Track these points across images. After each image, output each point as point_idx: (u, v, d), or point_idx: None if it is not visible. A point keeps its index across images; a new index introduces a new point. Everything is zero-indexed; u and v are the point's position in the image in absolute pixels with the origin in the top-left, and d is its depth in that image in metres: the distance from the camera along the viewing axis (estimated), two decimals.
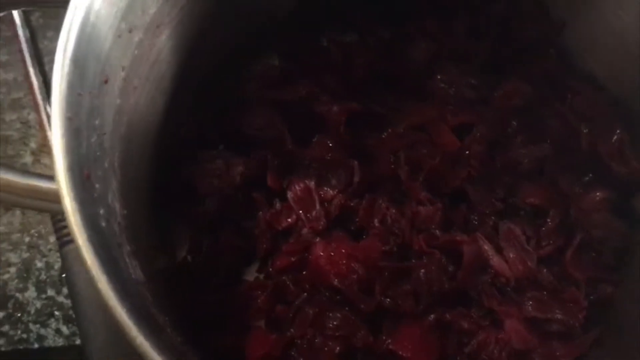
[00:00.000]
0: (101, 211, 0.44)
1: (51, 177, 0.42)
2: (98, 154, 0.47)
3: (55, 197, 0.41)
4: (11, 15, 0.82)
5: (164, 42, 0.58)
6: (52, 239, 0.75)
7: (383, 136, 0.67)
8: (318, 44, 0.74)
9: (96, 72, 0.46)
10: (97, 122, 0.47)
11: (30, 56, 0.80)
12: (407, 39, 0.71)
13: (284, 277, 0.63)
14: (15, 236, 0.76)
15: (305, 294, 0.61)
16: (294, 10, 0.73)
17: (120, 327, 0.37)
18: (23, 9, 0.73)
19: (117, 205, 0.50)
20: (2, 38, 0.83)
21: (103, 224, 0.44)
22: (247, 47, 0.71)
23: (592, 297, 0.61)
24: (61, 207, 0.41)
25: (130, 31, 0.51)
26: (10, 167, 0.43)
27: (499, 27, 0.70)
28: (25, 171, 0.43)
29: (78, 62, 0.43)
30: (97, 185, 0.45)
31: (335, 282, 0.59)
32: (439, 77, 0.66)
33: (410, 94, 0.68)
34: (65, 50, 0.41)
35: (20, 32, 0.81)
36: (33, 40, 0.81)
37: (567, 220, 0.62)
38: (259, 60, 0.72)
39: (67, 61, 0.42)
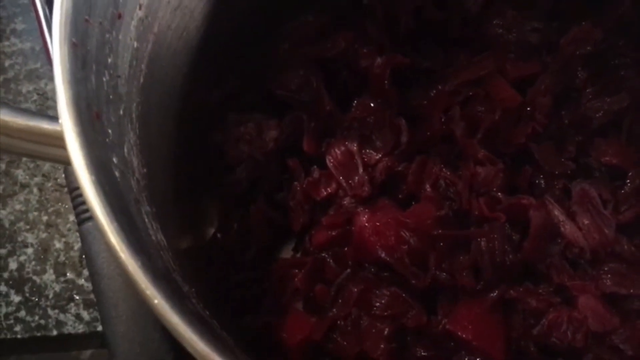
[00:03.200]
0: (114, 159, 0.38)
1: (57, 119, 0.36)
2: (111, 97, 0.41)
3: (61, 141, 0.35)
4: None
5: None
6: (72, 217, 0.71)
7: (432, 94, 0.60)
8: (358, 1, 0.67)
9: (108, 0, 0.40)
10: (109, 60, 0.41)
11: (48, 24, 0.75)
12: None
13: (323, 254, 0.58)
14: (32, 215, 0.71)
15: (349, 270, 0.56)
16: None
17: (136, 285, 0.31)
18: None
19: (135, 161, 0.44)
20: (19, 5, 0.79)
21: (116, 173, 0.37)
22: (282, 4, 0.65)
23: None
24: (66, 154, 0.34)
25: None
26: (12, 107, 0.37)
27: None
28: (28, 111, 0.37)
29: None
30: (109, 131, 0.39)
31: (383, 255, 0.54)
32: (495, 22, 0.59)
33: (464, 46, 0.62)
34: None
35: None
36: (50, 6, 0.76)
37: None
38: (295, 19, 0.66)
39: None
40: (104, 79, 0.40)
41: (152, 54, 0.50)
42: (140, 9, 0.46)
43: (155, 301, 0.30)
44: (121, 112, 0.43)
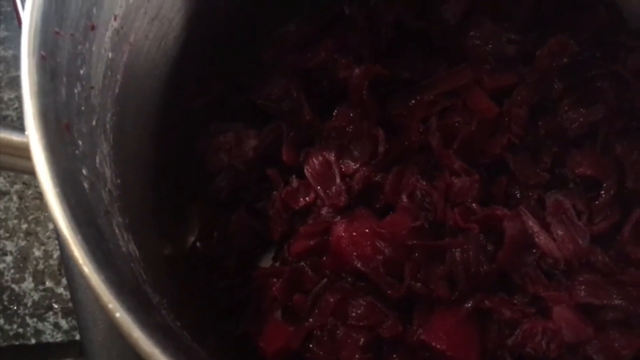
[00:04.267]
0: (84, 171, 0.38)
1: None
2: (82, 108, 0.41)
3: (28, 153, 0.35)
4: None
5: None
6: (51, 225, 0.71)
7: (411, 104, 0.61)
8: (340, 11, 0.68)
9: (80, 12, 0.41)
10: (82, 71, 0.41)
11: None
12: None
13: (302, 263, 0.59)
14: (12, 222, 0.72)
15: (325, 279, 0.57)
16: None
17: (99, 299, 0.31)
18: None
19: (107, 172, 0.44)
20: (2, 13, 0.79)
21: (85, 185, 0.38)
22: (264, 14, 0.66)
23: None
24: (32, 165, 0.35)
25: None
26: None
27: None
28: None
29: None
30: (80, 142, 0.39)
31: (359, 265, 0.55)
32: (472, 33, 0.59)
33: (442, 57, 0.63)
34: None
35: (19, 6, 0.77)
36: None
37: (623, 193, 0.57)
38: (277, 28, 0.67)
39: None
40: (76, 91, 0.40)
41: (129, 64, 0.50)
42: (115, 20, 0.46)
43: (117, 314, 0.30)
44: (94, 122, 0.43)
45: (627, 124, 0.58)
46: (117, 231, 0.41)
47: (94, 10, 0.43)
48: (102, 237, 0.37)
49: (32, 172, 0.35)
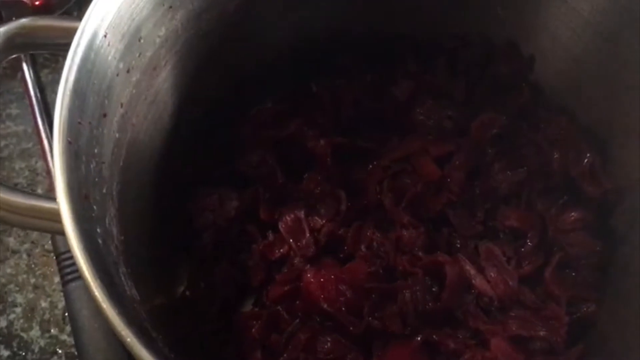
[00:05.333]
0: (98, 230, 0.48)
1: (52, 198, 0.46)
2: (97, 179, 0.50)
3: (55, 217, 0.45)
4: (23, 72, 0.89)
5: (160, 83, 0.62)
6: (57, 279, 0.78)
7: (369, 168, 0.70)
8: (309, 88, 0.78)
9: (96, 105, 0.51)
10: (96, 150, 0.51)
11: (39, 109, 0.86)
12: (391, 80, 0.75)
13: (278, 307, 0.64)
14: (22, 277, 0.79)
15: (298, 320, 0.63)
16: (285, 57, 0.77)
17: (114, 327, 0.40)
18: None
19: (114, 230, 0.53)
20: (14, 93, 0.89)
21: (100, 241, 0.47)
22: (243, 92, 0.75)
23: (575, 316, 0.63)
24: (61, 227, 0.44)
25: (128, 71, 0.56)
26: (13, 188, 0.47)
27: (475, 68, 0.75)
28: (26, 192, 0.47)
29: (78, 94, 0.47)
30: (95, 207, 0.49)
31: (325, 306, 0.61)
32: (418, 110, 0.70)
33: (394, 130, 0.72)
34: (67, 81, 0.46)
35: (30, 87, 0.87)
36: (42, 94, 0.87)
37: (545, 241, 0.65)
38: (254, 104, 0.76)
39: (68, 91, 0.46)
40: (92, 166, 0.50)
41: (131, 140, 0.59)
42: (121, 107, 0.56)
43: (128, 339, 0.40)
44: (104, 190, 0.52)
45: (545, 184, 0.66)
46: (122, 278, 0.50)
47: (106, 102, 0.52)
48: (112, 282, 0.46)
49: (59, 232, 0.45)
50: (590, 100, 0.67)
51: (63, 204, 0.43)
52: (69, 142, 0.45)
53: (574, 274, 0.64)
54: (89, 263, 0.41)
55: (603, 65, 0.65)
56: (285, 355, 0.62)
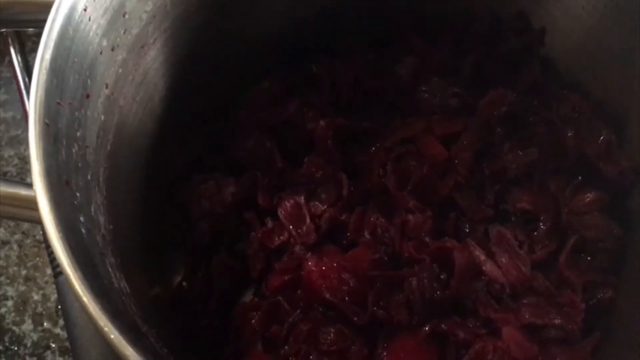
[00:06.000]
0: (82, 218, 0.45)
1: (32, 185, 0.43)
2: (80, 165, 0.47)
3: (33, 204, 0.42)
4: (10, 57, 0.86)
5: (149, 63, 0.59)
6: (49, 271, 0.76)
7: (371, 151, 0.67)
8: (307, 69, 0.75)
9: (77, 85, 0.48)
10: (78, 133, 0.48)
11: (28, 94, 0.82)
12: (393, 58, 0.72)
13: (278, 297, 0.62)
14: (13, 269, 0.76)
15: (299, 311, 0.61)
16: (284, 37, 0.74)
17: (96, 324, 0.37)
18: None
19: (101, 219, 0.50)
20: (2, 79, 0.86)
21: (83, 230, 0.44)
22: (238, 74, 0.72)
23: (591, 302, 0.60)
24: (38, 215, 0.41)
25: (112, 49, 0.53)
26: None
27: (483, 43, 0.72)
28: (6, 179, 0.44)
29: (56, 72, 0.44)
30: (78, 194, 0.46)
31: (327, 295, 0.59)
32: (423, 88, 0.66)
33: (397, 109, 0.69)
34: (42, 59, 0.43)
35: (18, 72, 0.84)
36: (30, 80, 0.83)
37: (559, 224, 0.62)
38: (250, 86, 0.73)
39: (44, 70, 0.43)
40: (74, 150, 0.47)
41: (119, 124, 0.56)
42: (106, 88, 0.53)
43: (112, 336, 0.37)
44: (89, 177, 0.49)
45: (559, 164, 0.63)
46: (110, 270, 0.47)
47: (89, 81, 0.49)
48: (98, 274, 0.43)
49: (37, 221, 0.42)
50: (605, 75, 0.64)
51: (40, 190, 0.40)
52: (47, 124, 0.42)
53: (589, 258, 0.62)
54: (68, 253, 0.39)
55: (619, 38, 0.62)
56: (286, 347, 0.60)
